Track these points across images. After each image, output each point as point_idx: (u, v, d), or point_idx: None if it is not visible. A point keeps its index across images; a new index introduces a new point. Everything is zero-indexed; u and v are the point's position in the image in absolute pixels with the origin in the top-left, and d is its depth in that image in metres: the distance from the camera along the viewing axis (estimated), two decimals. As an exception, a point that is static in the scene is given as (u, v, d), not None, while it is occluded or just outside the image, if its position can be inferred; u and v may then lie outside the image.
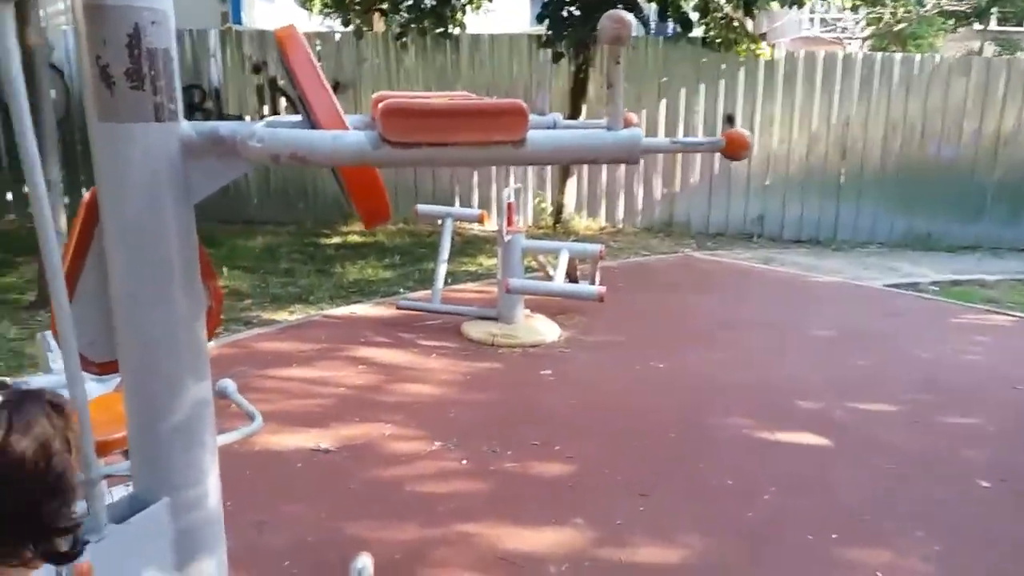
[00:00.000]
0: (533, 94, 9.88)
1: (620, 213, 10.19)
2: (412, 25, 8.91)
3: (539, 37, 9.26)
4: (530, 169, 10.03)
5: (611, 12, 1.50)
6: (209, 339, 2.19)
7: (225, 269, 7.12)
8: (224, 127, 1.68)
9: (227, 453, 3.56)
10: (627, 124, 2.67)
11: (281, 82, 9.70)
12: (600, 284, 5.87)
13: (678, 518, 3.20)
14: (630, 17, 1.50)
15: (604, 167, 9.99)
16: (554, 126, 2.44)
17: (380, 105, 1.56)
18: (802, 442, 3.94)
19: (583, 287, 5.55)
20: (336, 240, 8.74)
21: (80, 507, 1.03)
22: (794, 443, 3.93)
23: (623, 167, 10.02)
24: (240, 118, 9.20)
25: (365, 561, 2.28)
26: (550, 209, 9.99)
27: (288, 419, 4.00)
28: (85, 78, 1.61)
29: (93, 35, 1.55)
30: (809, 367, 5.02)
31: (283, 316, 5.89)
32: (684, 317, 6.14)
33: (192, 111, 9.60)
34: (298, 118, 1.93)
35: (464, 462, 3.61)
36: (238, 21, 12.29)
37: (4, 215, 9.45)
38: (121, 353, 1.86)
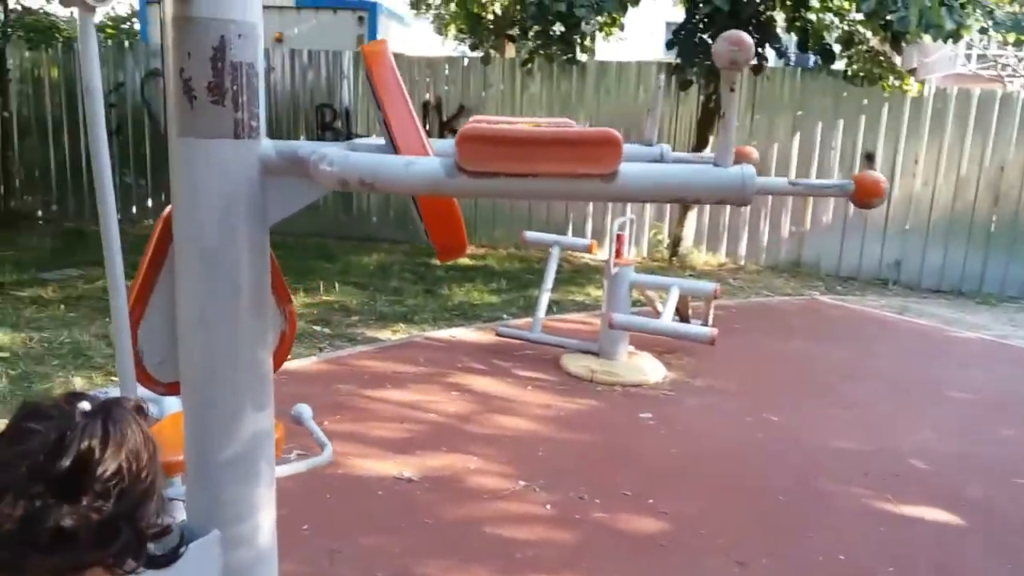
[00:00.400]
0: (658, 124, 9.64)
1: (743, 249, 9.74)
2: (540, 52, 8.88)
3: (669, 65, 9.02)
4: (649, 200, 9.78)
5: (729, 33, 1.30)
6: (280, 364, 2.12)
7: (337, 284, 7.25)
8: (303, 147, 1.60)
9: (310, 475, 3.52)
10: (742, 159, 2.42)
11: (410, 104, 9.87)
12: (713, 325, 5.55)
13: (778, 596, 2.88)
14: (749, 40, 1.29)
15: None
16: (661, 158, 2.24)
17: (460, 131, 1.43)
18: (928, 519, 3.50)
19: (693, 328, 5.25)
20: (448, 263, 8.76)
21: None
22: (918, 519, 3.49)
23: (748, 202, 9.59)
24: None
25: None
26: (667, 242, 9.68)
27: (376, 443, 3.93)
28: (169, 92, 1.57)
29: (179, 47, 1.50)
30: (943, 434, 4.52)
31: (387, 335, 5.89)
32: (805, 367, 5.71)
33: (323, 130, 9.95)
34: (382, 141, 1.82)
35: (548, 507, 3.41)
36: (373, 43, 12.67)
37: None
38: (183, 375, 1.80)
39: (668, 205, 9.72)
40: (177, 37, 1.52)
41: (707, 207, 9.66)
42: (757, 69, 8.64)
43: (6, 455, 0.85)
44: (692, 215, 9.45)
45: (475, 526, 3.21)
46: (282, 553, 2.93)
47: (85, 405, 0.89)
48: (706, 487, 3.69)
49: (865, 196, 1.47)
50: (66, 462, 0.85)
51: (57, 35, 10.28)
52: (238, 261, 1.65)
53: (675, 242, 9.50)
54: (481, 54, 9.38)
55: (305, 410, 2.48)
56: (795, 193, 1.49)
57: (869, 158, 9.23)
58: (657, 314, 5.49)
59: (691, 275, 8.86)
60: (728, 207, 9.62)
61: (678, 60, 8.52)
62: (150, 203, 10.20)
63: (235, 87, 1.56)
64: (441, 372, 5.04)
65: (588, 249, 5.78)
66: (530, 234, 5.86)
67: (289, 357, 5.69)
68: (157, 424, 2.58)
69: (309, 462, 2.36)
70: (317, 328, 5.93)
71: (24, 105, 10.32)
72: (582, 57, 9.27)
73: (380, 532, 3.12)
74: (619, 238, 5.31)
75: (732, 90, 1.39)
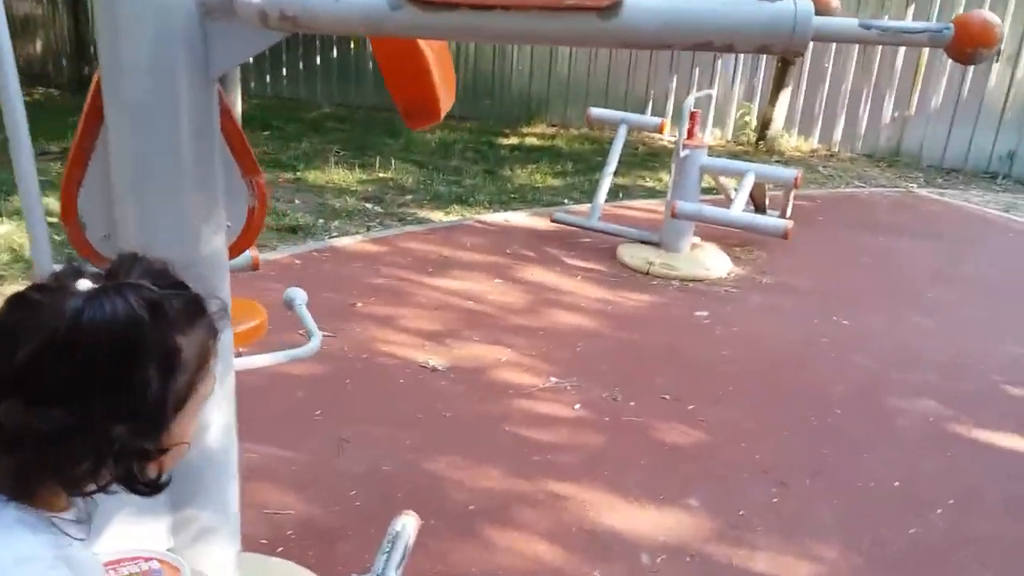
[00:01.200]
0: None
1: (838, 135, 8.93)
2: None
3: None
4: (735, 73, 9.01)
5: None
6: (249, 243, 1.89)
7: (396, 161, 7.01)
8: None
9: (331, 360, 3.40)
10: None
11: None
12: (791, 217, 5.08)
13: (817, 520, 2.61)
14: None
15: (827, 77, 8.75)
16: None
17: None
18: (1004, 446, 3.13)
19: (766, 219, 4.79)
20: (513, 141, 8.36)
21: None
22: (992, 446, 3.12)
23: (849, 79, 8.72)
24: None
25: (406, 522, 1.97)
26: (754, 123, 8.97)
27: (407, 329, 3.77)
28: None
29: None
30: (1036, 348, 4.04)
31: (439, 216, 5.66)
32: (888, 266, 5.20)
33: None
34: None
35: (577, 407, 3.19)
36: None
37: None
38: (120, 251, 1.59)
39: (760, 82, 8.96)
40: None
41: (803, 86, 8.85)
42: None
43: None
44: (785, 95, 8.65)
45: (495, 423, 3.03)
46: (290, 440, 2.84)
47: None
48: (754, 395, 3.39)
49: (968, 43, 1.07)
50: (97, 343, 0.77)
51: None
52: (175, 119, 1.40)
53: (764, 124, 8.78)
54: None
55: (298, 294, 2.28)
56: (867, 40, 1.10)
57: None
58: (729, 203, 5.04)
59: (777, 161, 8.22)
60: (826, 85, 8.78)
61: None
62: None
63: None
64: (487, 258, 4.80)
65: (658, 128, 5.29)
66: (595, 111, 5.40)
67: (334, 234, 5.47)
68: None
69: (289, 353, 2.17)
70: (368, 206, 5.75)
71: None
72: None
73: (394, 423, 2.98)
74: (692, 116, 4.81)
75: None
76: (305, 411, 3.02)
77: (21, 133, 1.50)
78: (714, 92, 5.56)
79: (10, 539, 0.79)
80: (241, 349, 2.18)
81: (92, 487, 0.83)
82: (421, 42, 1.33)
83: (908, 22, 1.06)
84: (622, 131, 5.21)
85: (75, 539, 0.85)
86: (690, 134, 4.74)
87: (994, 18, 1.07)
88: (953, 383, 3.59)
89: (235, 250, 1.70)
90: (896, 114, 8.72)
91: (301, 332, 3.58)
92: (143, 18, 1.26)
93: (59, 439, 0.77)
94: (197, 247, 1.46)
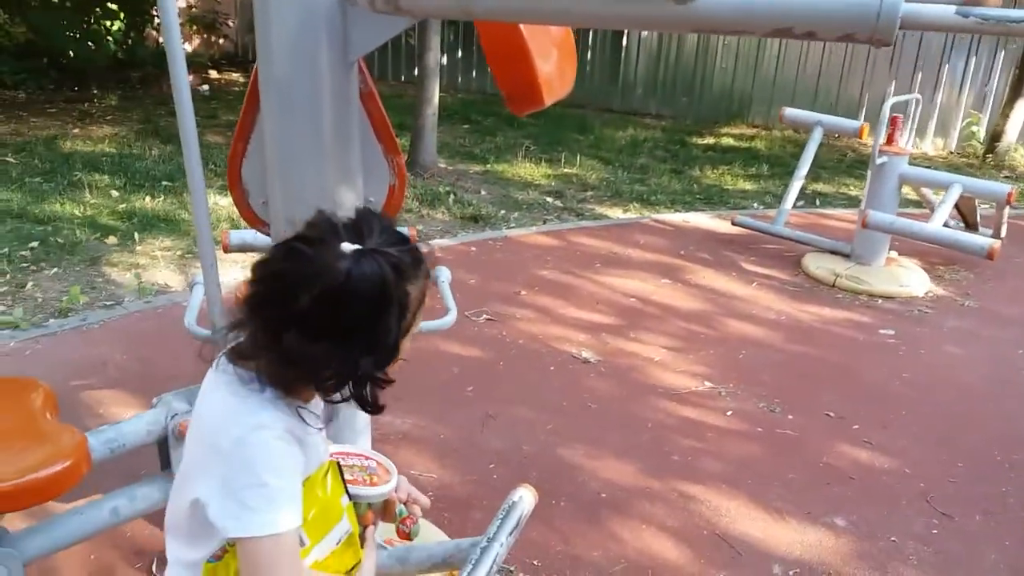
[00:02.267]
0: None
1: (1086, 150, 7.88)
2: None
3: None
4: (974, 79, 8.18)
5: None
6: (392, 216, 2.03)
7: (583, 157, 7.09)
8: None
9: (487, 342, 3.54)
10: None
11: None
12: (1003, 237, 4.58)
13: (981, 559, 2.36)
14: None
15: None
16: None
17: None
18: None
19: (968, 236, 4.35)
20: (708, 141, 8.16)
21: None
22: None
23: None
24: None
25: (523, 495, 2.02)
26: (982, 134, 8.12)
27: (565, 320, 3.83)
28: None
29: None
30: None
31: (616, 213, 5.67)
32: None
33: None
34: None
35: (729, 413, 3.09)
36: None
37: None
38: (271, 220, 1.78)
39: (994, 88, 8.09)
40: None
41: (1045, 94, 7.87)
42: None
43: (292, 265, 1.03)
44: (1021, 104, 7.75)
45: (638, 418, 3.02)
46: (441, 412, 3.01)
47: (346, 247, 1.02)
48: (931, 423, 3.11)
49: None
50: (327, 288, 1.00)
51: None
52: (318, 97, 1.56)
53: (994, 136, 7.93)
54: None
55: (443, 273, 2.41)
56: (965, 29, 1.02)
57: None
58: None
59: (1007, 177, 7.40)
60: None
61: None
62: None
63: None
64: (658, 257, 4.75)
65: (858, 133, 4.96)
66: (789, 110, 5.15)
67: (511, 225, 5.67)
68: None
69: (426, 324, 2.29)
70: (549, 199, 5.87)
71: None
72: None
73: (539, 407, 3.05)
74: (893, 120, 4.47)
75: None
76: (458, 387, 3.17)
77: (188, 119, 1.71)
78: (919, 96, 5.07)
79: (257, 411, 1.04)
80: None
81: (336, 397, 1.08)
82: (523, 28, 1.38)
83: (1012, 10, 0.96)
84: (817, 133, 4.94)
85: (312, 427, 1.10)
86: (889, 140, 4.41)
87: None
88: None
89: (377, 224, 1.84)
90: None
91: (469, 313, 3.79)
92: (290, 6, 1.41)
93: (323, 364, 1.03)
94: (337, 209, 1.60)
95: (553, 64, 1.49)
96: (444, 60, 9.55)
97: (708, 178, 6.74)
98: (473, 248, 4.74)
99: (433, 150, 6.23)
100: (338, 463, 1.25)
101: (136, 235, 4.56)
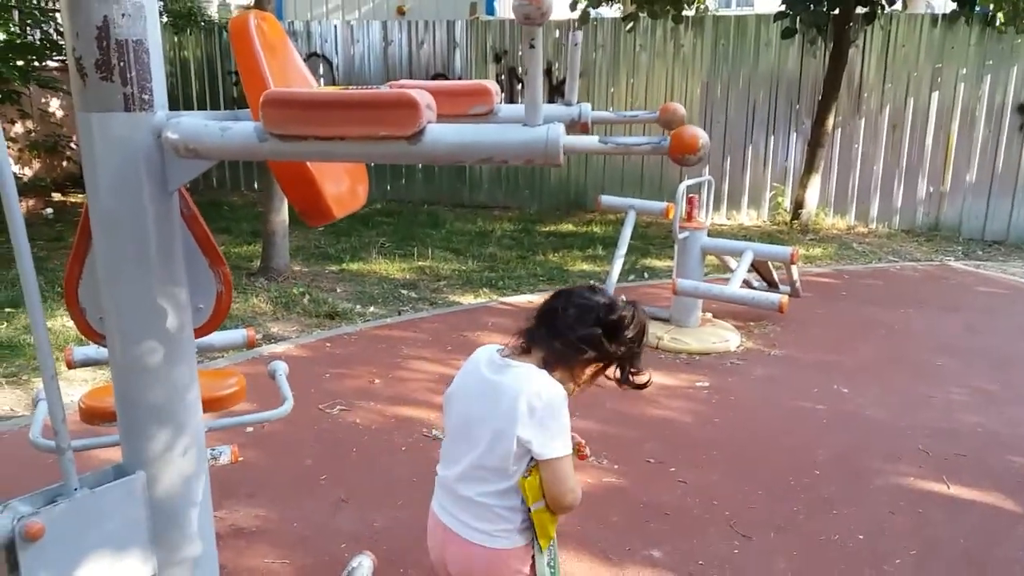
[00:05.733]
0: (780, 85, 9.12)
1: (874, 211, 9.07)
2: (643, 8, 8.59)
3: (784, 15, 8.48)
4: (775, 158, 9.29)
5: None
6: (219, 322, 2.28)
7: (435, 250, 7.49)
8: (185, 117, 1.72)
9: (343, 429, 3.75)
10: (667, 115, 2.32)
11: (520, 71, 9.96)
12: (795, 291, 5.26)
13: (771, 570, 2.76)
14: None
15: (858, 158, 8.96)
16: (579, 118, 2.18)
17: (264, 96, 1.49)
18: (980, 503, 3.21)
19: (761, 295, 5.00)
20: (550, 228, 8.79)
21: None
22: (968, 504, 3.20)
23: (881, 160, 8.91)
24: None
25: (362, 560, 2.26)
26: (788, 203, 9.18)
27: (414, 402, 4.10)
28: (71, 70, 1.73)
29: (69, 28, 1.65)
30: (1039, 415, 4.07)
31: (468, 299, 6.05)
32: (902, 339, 5.29)
33: (438, 99, 10.20)
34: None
35: (563, 470, 3.43)
36: (491, 12, 12.78)
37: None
38: (107, 331, 2.00)
39: (793, 164, 9.22)
40: (67, 18, 1.67)
41: (835, 167, 9.07)
42: (870, 17, 7.96)
43: (585, 306, 1.76)
44: (816, 176, 8.87)
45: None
46: (295, 501, 3.18)
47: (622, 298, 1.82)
48: (739, 459, 3.56)
49: (680, 151, 1.39)
50: (613, 317, 1.74)
51: (200, 20, 11.17)
52: (142, 225, 1.81)
53: (797, 204, 8.99)
54: (578, 15, 9.05)
55: (279, 366, 2.65)
56: (607, 152, 1.43)
57: (1021, 110, 8.27)
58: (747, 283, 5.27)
59: (811, 240, 8.39)
60: (858, 166, 8.99)
61: (783, 6, 8.00)
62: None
63: (122, 63, 1.69)
64: (503, 336, 5.11)
65: (664, 213, 5.62)
66: (605, 198, 5.78)
67: (367, 319, 5.87)
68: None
69: (264, 415, 2.52)
70: (404, 291, 6.19)
71: (170, 85, 11.34)
72: (691, 13, 8.89)
73: (390, 485, 3.28)
74: (690, 200, 5.13)
75: (532, 47, 1.37)
76: (311, 477, 3.36)
77: (21, 239, 1.92)
78: (711, 178, 5.83)
79: (555, 383, 1.69)
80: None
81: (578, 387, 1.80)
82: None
83: (637, 137, 1.39)
84: (631, 216, 5.56)
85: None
86: (689, 216, 5.05)
87: (698, 131, 1.38)
88: (939, 448, 3.68)
89: (210, 326, 2.09)
90: (931, 189, 8.82)
91: (324, 406, 3.97)
92: (112, 147, 1.68)
93: (596, 365, 1.78)
94: (163, 325, 1.83)
95: (344, 187, 1.82)
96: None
97: (551, 261, 7.28)
98: (328, 344, 4.96)
99: (286, 254, 6.45)
100: None
101: (-23, 362, 4.50)
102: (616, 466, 3.47)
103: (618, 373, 1.80)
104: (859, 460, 3.57)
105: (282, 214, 6.25)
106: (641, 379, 1.84)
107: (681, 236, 4.99)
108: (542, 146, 1.37)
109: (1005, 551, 2.89)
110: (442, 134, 1.37)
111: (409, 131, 1.40)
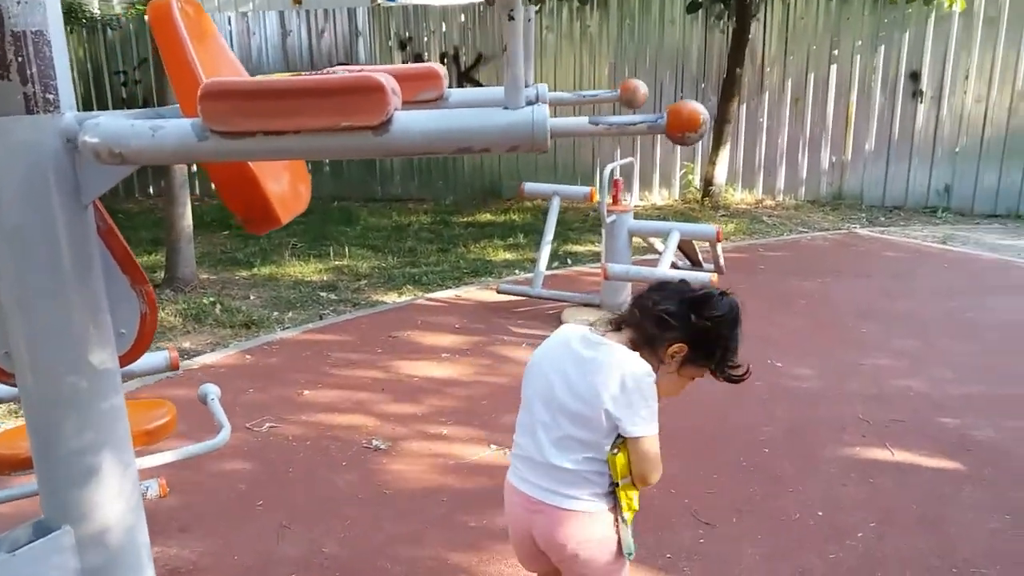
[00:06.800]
0: (686, 63, 9.20)
1: (781, 184, 9.31)
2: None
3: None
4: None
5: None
6: (146, 346, 2.04)
7: (352, 248, 7.22)
8: (104, 118, 1.49)
9: (275, 448, 3.52)
10: (628, 94, 2.19)
11: (425, 56, 9.71)
12: (720, 268, 5.29)
13: (741, 557, 2.71)
14: None
15: (764, 131, 9.15)
16: (536, 100, 2.04)
17: (202, 87, 1.28)
18: (926, 467, 3.27)
19: (691, 274, 4.99)
20: (468, 219, 8.63)
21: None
22: (915, 469, 3.26)
23: (785, 133, 9.13)
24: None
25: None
26: (698, 181, 9.31)
27: (352, 410, 3.89)
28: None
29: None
30: (957, 372, 4.21)
31: (391, 298, 5.84)
32: (824, 308, 5.41)
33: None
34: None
35: (515, 471, 3.30)
36: (393, -1, 12.47)
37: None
38: (16, 366, 1.74)
39: (701, 141, 9.33)
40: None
41: (741, 142, 9.24)
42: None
43: (675, 289, 1.84)
44: (724, 152, 9.02)
45: (433, 496, 3.14)
46: (231, 533, 2.93)
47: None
48: (687, 443, 3.52)
49: (679, 129, 1.27)
50: (700, 293, 1.82)
51: (82, 17, 10.43)
52: (54, 242, 1.56)
53: (707, 181, 9.12)
54: (491, -2, 8.95)
55: (211, 390, 2.41)
56: (598, 133, 1.30)
57: (914, 77, 8.62)
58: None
59: (723, 215, 8.53)
60: (764, 139, 9.18)
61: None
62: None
63: (20, 59, 1.44)
64: (435, 334, 4.96)
65: (588, 197, 5.56)
66: (529, 185, 5.67)
67: (286, 326, 5.54)
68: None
69: (198, 447, 2.28)
70: (323, 294, 5.92)
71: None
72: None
73: (335, 504, 3.08)
74: (616, 184, 5.08)
75: (511, 18, 1.21)
76: (247, 503, 3.11)
77: None
78: (633, 159, 5.85)
79: (644, 364, 1.73)
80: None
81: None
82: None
83: (630, 115, 1.26)
84: (555, 202, 5.46)
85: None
86: (615, 200, 4.99)
87: (697, 106, 1.27)
88: (877, 415, 3.74)
89: (134, 352, 1.85)
90: (834, 159, 9.11)
91: (251, 424, 3.72)
92: (15, 156, 1.44)
93: (682, 347, 1.78)
94: (85, 356, 1.60)
95: (286, 184, 1.62)
96: (194, 167, 9.33)
97: (472, 253, 7.13)
98: (248, 356, 4.67)
99: (192, 262, 6.06)
100: None
101: None
102: (569, 462, 3.36)
103: (711, 364, 1.82)
104: (805, 434, 3.59)
105: (186, 219, 5.86)
106: (738, 371, 1.87)
107: (609, 220, 4.93)
108: (528, 130, 1.22)
109: (956, 511, 2.95)
110: (412, 122, 1.20)
111: (376, 120, 1.22)
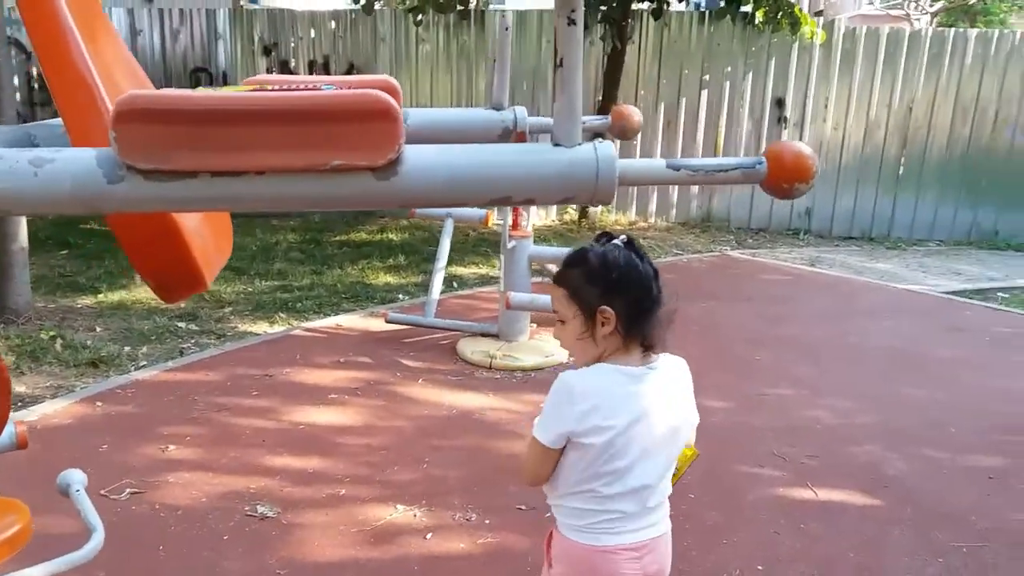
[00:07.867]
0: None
1: (652, 206, 9.41)
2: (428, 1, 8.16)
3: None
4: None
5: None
6: (3, 422, 1.55)
7: (214, 270, 6.55)
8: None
9: (139, 521, 2.96)
10: (621, 121, 1.93)
11: (292, 64, 9.12)
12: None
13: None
14: None
15: (636, 154, 9.22)
16: (514, 126, 1.73)
17: (117, 103, 0.87)
18: (849, 503, 3.22)
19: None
20: (342, 237, 8.12)
21: None
22: (841, 508, 3.19)
23: (657, 156, 9.23)
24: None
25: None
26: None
27: (230, 469, 3.38)
28: None
29: None
30: (856, 401, 4.25)
31: (263, 328, 5.29)
32: (715, 334, 5.38)
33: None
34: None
35: (429, 536, 2.94)
36: (254, 0, 11.73)
37: None
38: None
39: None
40: None
41: (616, 163, 9.27)
42: (657, 13, 8.22)
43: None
44: (600, 172, 9.00)
45: (337, 573, 2.72)
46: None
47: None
48: (609, 491, 3.29)
49: (785, 179, 1.01)
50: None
51: None
52: None
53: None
54: (362, 3, 8.42)
55: (74, 479, 1.90)
56: (679, 181, 1.02)
57: (779, 104, 8.96)
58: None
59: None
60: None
61: None
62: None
63: None
64: (318, 371, 4.48)
65: (483, 221, 5.27)
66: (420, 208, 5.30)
67: (141, 364, 4.82)
68: None
69: (66, 559, 1.79)
70: (181, 325, 5.27)
71: None
72: (474, 6, 8.63)
73: (220, 591, 2.60)
74: (515, 209, 4.81)
75: (572, 22, 0.91)
76: (110, 593, 2.57)
77: None
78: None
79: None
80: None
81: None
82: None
83: (720, 158, 0.98)
84: (449, 225, 5.14)
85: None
86: (515, 225, 4.74)
87: (805, 149, 1.02)
88: (791, 451, 3.67)
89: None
90: (703, 182, 9.31)
91: (108, 491, 3.13)
92: None
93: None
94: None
95: (209, 240, 1.22)
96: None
97: (350, 275, 6.66)
98: (99, 403, 4.01)
99: (26, 289, 5.24)
100: None
101: None
102: (487, 521, 3.04)
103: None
104: (726, 474, 3.45)
105: (20, 240, 5.05)
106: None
107: (510, 245, 4.66)
108: (590, 176, 0.91)
109: (891, 558, 2.87)
110: (428, 161, 0.86)
111: (380, 158, 0.87)
